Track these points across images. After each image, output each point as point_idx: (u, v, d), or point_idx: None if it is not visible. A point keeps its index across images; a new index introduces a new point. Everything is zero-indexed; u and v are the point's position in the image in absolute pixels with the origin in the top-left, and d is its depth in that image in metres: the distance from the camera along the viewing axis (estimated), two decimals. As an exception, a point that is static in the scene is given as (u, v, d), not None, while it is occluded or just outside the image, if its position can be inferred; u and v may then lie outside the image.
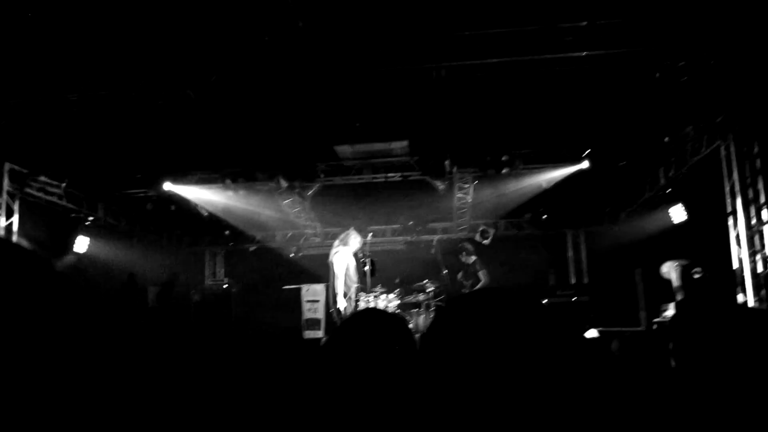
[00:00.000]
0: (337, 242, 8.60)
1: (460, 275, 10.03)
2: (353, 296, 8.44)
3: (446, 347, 1.15)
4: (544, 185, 10.60)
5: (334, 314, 8.14)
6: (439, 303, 10.51)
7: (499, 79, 7.36)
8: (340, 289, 8.11)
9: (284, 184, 10.40)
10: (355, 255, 8.61)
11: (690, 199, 9.41)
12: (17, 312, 0.89)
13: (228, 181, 10.34)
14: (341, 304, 8.08)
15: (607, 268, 12.11)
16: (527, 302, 1.19)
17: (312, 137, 9.32)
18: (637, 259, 10.61)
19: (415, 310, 10.37)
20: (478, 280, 9.65)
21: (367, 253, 8.80)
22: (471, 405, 1.05)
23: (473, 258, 9.88)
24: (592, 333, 7.62)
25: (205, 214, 11.48)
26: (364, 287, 8.78)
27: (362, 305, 8.58)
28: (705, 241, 8.69)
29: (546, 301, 10.77)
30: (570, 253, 13.44)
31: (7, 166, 8.85)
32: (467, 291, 9.64)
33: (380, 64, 7.06)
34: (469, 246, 10.12)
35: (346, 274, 8.25)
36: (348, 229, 8.85)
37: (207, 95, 7.60)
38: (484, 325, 1.15)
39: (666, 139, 8.82)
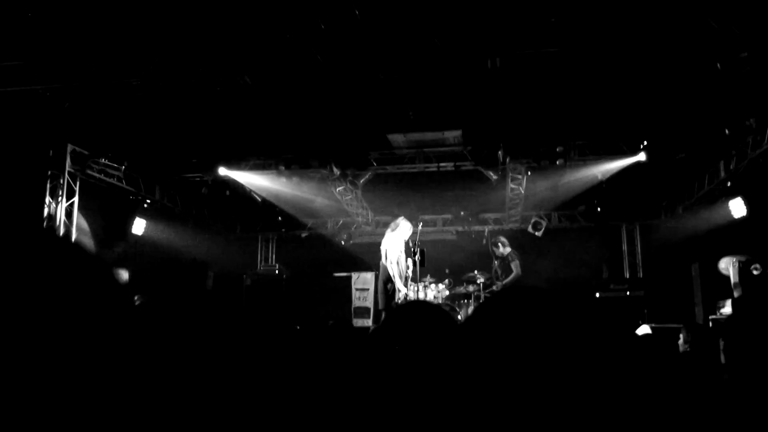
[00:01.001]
0: (388, 231, 8.82)
1: (495, 264, 10.37)
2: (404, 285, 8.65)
3: (481, 343, 1.19)
4: (600, 177, 10.53)
5: (398, 300, 8.42)
6: (488, 294, 10.59)
7: (555, 68, 7.38)
8: (397, 275, 8.36)
9: (337, 171, 10.60)
10: (406, 243, 8.79)
11: (751, 193, 9.22)
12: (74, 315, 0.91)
13: (281, 168, 10.58)
14: (403, 289, 8.36)
15: (662, 263, 11.95)
16: (566, 301, 1.20)
17: (365, 125, 9.48)
18: (694, 253, 10.45)
19: (465, 301, 10.48)
20: (511, 271, 9.94)
21: (417, 243, 8.94)
22: (499, 401, 1.10)
23: (508, 250, 10.20)
24: (644, 329, 7.59)
25: (259, 200, 11.79)
26: (414, 277, 8.94)
27: (411, 295, 8.77)
28: (765, 237, 8.52)
29: (598, 295, 10.73)
30: (625, 247, 13.29)
31: (69, 147, 9.19)
32: (501, 282, 9.99)
33: (436, 52, 7.15)
34: (502, 238, 10.43)
35: (398, 262, 8.46)
36: (398, 217, 9.03)
37: (263, 82, 7.83)
38: (518, 325, 1.18)
39: (726, 131, 8.67)
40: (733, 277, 7.84)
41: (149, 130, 9.44)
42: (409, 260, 8.81)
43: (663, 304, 10.08)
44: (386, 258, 8.57)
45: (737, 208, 9.39)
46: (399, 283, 8.39)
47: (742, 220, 9.33)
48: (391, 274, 8.44)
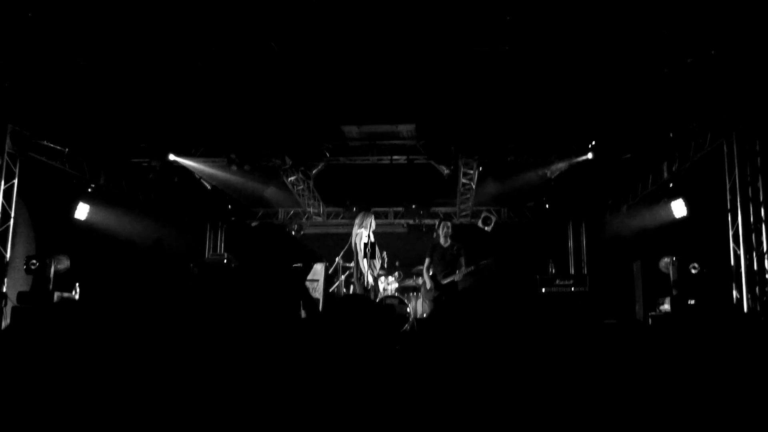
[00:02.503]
0: (357, 225, 9.06)
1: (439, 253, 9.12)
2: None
3: (442, 337, 1.28)
4: (548, 175, 10.81)
5: (371, 293, 8.63)
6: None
7: (508, 67, 7.55)
8: (367, 268, 8.62)
9: (289, 161, 10.60)
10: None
11: (692, 194, 9.62)
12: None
13: (233, 156, 10.50)
14: (372, 282, 8.65)
15: (606, 260, 12.34)
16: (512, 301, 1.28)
17: (319, 115, 9.50)
18: (636, 252, 10.83)
19: (414, 293, 10.65)
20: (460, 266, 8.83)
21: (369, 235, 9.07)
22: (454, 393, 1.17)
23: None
24: None
25: (209, 187, 11.67)
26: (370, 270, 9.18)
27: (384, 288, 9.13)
28: (705, 237, 8.91)
29: (544, 290, 11.01)
30: (570, 243, 13.68)
31: (9, 127, 8.87)
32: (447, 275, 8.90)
33: (392, 45, 7.23)
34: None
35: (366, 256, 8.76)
36: (365, 211, 9.20)
37: (216, 68, 7.77)
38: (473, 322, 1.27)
39: (671, 134, 9.04)
40: (673, 276, 8.19)
41: (95, 113, 9.24)
42: (384, 253, 9.05)
43: (605, 300, 10.41)
44: (355, 251, 8.88)
45: (678, 208, 9.76)
46: (369, 276, 8.66)
47: (683, 220, 9.71)
48: (362, 267, 8.67)
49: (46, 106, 8.88)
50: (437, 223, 9.50)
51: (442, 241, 9.02)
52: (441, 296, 8.76)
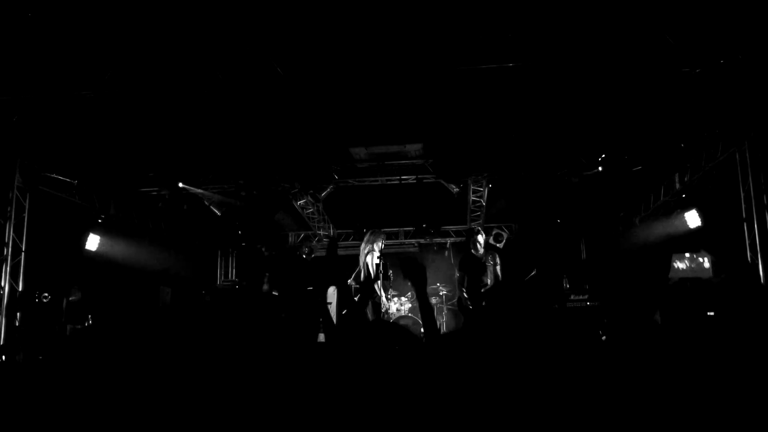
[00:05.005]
0: (365, 243, 8.91)
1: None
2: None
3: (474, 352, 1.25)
4: (558, 189, 10.78)
5: (384, 314, 8.51)
6: (451, 307, 10.71)
7: (514, 83, 7.55)
8: (380, 288, 8.48)
9: (298, 185, 10.63)
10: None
11: (706, 204, 9.56)
12: None
13: (242, 182, 10.55)
14: (386, 302, 8.50)
15: (621, 273, 12.23)
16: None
17: (327, 138, 9.52)
18: (649, 263, 10.74)
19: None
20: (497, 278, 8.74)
21: (380, 256, 9.04)
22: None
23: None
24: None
25: (218, 213, 11.70)
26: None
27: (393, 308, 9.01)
28: (720, 246, 8.84)
29: (557, 306, 10.92)
30: (584, 257, 13.59)
31: (18, 161, 8.99)
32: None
33: (396, 64, 7.25)
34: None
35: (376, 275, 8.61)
36: (373, 230, 9.09)
37: (221, 94, 7.79)
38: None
39: (682, 144, 9.00)
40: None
41: (104, 144, 9.30)
42: (391, 272, 8.96)
43: (620, 313, 10.29)
44: (364, 271, 8.74)
45: (692, 219, 9.70)
46: (383, 296, 8.54)
47: (697, 230, 9.65)
48: (377, 288, 8.53)
49: (54, 138, 8.96)
50: (472, 232, 9.01)
51: (478, 252, 8.66)
52: (479, 310, 8.41)
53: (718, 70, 6.99)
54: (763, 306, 5.81)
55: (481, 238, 8.73)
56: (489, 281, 8.56)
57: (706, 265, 8.12)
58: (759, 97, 7.36)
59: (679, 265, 8.35)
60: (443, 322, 10.69)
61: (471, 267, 8.67)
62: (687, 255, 8.31)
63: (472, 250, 8.70)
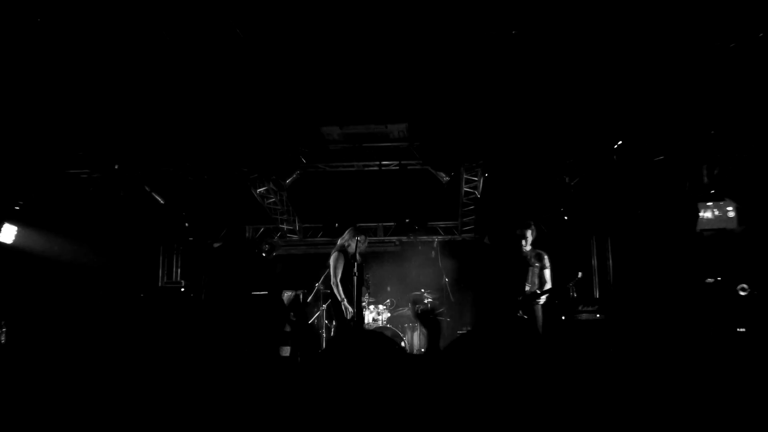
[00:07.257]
0: (340, 240, 8.63)
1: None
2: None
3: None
4: (567, 181, 10.75)
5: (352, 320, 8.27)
6: (437, 317, 10.63)
7: (517, 53, 7.47)
8: (343, 293, 8.18)
9: (258, 169, 10.51)
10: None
11: (738, 201, 9.63)
12: None
13: (189, 164, 10.41)
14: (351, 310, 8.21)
15: (637, 281, 12.27)
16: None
17: (293, 114, 9.41)
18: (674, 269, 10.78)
19: (408, 324, 10.50)
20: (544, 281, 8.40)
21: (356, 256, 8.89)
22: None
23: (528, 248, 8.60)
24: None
25: (162, 202, 11.52)
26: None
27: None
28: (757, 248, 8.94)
29: (564, 318, 10.93)
30: (594, 262, 13.59)
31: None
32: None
33: (378, 29, 7.14)
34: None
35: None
36: (350, 227, 8.85)
37: (167, 55, 7.64)
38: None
39: (711, 131, 9.02)
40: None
41: (23, 115, 9.10)
42: (368, 276, 8.81)
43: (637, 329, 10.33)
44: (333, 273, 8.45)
45: (722, 216, 9.78)
46: (346, 302, 8.24)
47: (730, 230, 9.72)
48: (337, 294, 8.23)
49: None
50: (525, 225, 8.66)
51: (523, 249, 8.50)
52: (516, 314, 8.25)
53: (754, 44, 6.98)
54: None
55: (530, 234, 8.53)
56: (530, 286, 8.34)
57: (731, 214, 9.57)
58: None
59: (706, 214, 9.70)
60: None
61: (510, 268, 8.55)
62: (710, 204, 9.66)
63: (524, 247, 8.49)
